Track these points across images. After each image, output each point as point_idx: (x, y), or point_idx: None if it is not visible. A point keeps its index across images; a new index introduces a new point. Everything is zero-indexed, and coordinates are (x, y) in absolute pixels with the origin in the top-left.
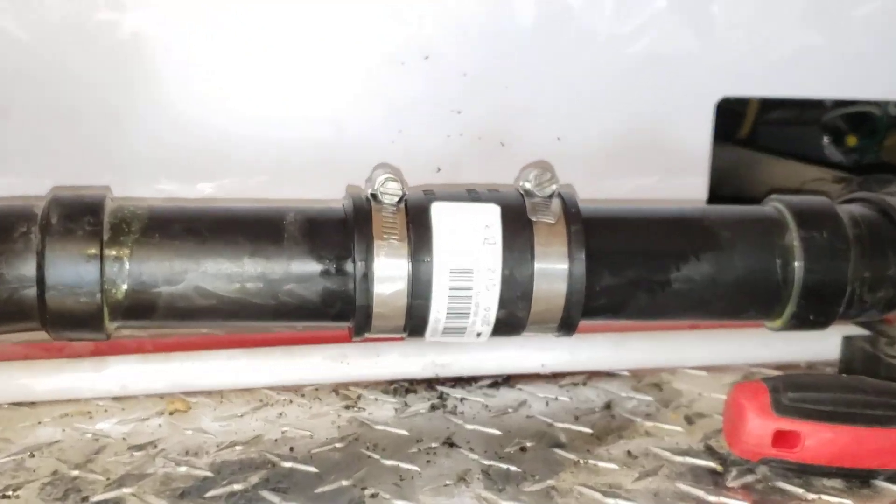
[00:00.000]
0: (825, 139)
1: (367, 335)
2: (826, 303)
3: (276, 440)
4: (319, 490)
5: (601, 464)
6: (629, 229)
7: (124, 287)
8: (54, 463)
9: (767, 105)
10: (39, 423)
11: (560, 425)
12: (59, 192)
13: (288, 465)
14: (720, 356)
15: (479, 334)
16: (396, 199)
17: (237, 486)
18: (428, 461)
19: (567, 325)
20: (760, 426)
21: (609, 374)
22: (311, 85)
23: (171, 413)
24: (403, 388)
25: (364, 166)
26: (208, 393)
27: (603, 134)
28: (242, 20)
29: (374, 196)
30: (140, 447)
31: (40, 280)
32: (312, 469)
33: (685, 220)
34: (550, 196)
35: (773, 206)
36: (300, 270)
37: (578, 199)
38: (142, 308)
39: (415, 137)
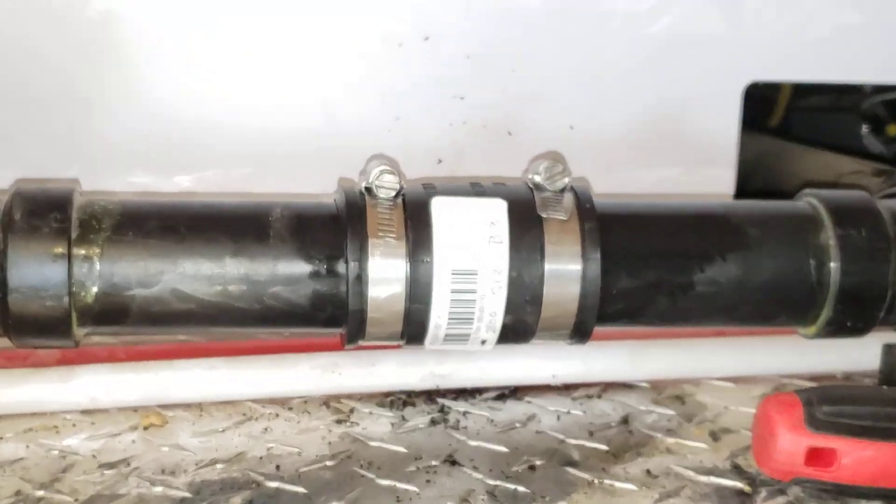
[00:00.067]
0: (864, 128)
1: (360, 343)
2: (865, 307)
3: (260, 458)
4: None
5: (618, 484)
6: (649, 227)
7: (94, 290)
8: (17, 482)
9: (801, 90)
10: (1, 438)
11: (573, 442)
12: (23, 186)
13: (274, 485)
14: (748, 366)
15: (483, 342)
16: (393, 193)
17: None
18: (428, 481)
19: (580, 332)
20: (793, 443)
21: (626, 386)
22: (299, 68)
23: (145, 428)
24: (401, 400)
25: (358, 157)
26: (186, 406)
27: (620, 122)
28: None
29: (368, 190)
30: (111, 465)
31: (2, 282)
32: (301, 489)
33: (710, 216)
34: (562, 190)
35: (807, 201)
36: (287, 271)
37: (593, 194)
38: (113, 313)
39: (413, 126)
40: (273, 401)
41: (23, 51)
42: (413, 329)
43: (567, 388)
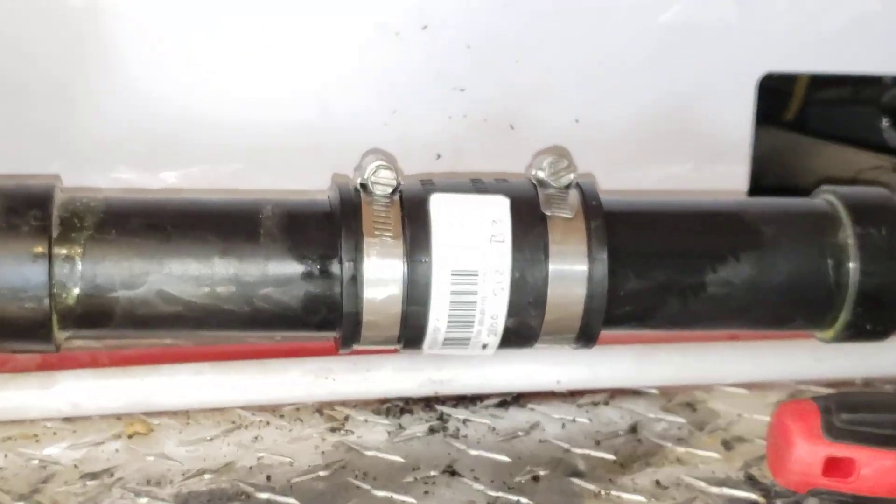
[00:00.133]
0: (884, 121)
1: (355, 347)
2: (885, 310)
3: (250, 468)
4: None
5: (625, 495)
6: (658, 225)
7: (76, 291)
8: None
9: (818, 82)
10: None
11: (578, 451)
12: (1, 182)
13: (264, 496)
14: (763, 371)
15: (484, 346)
16: (390, 190)
17: None
18: (426, 492)
19: (586, 336)
20: (809, 452)
21: (635, 393)
22: (292, 59)
23: (129, 436)
24: (398, 407)
25: (353, 152)
26: (173, 413)
27: (628, 115)
28: None
29: (364, 186)
30: (94, 475)
31: None
32: (293, 501)
33: (722, 214)
34: (567, 187)
35: (825, 198)
36: (279, 272)
37: (599, 191)
38: (96, 315)
39: (411, 119)
40: (263, 408)
41: (1, 41)
42: (411, 333)
43: (572, 395)
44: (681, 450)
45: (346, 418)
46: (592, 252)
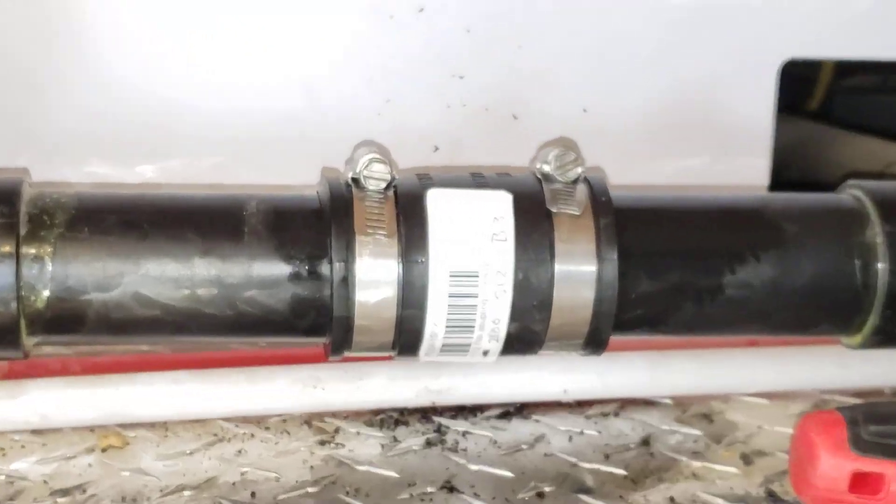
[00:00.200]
0: None
1: (346, 353)
2: None
3: (234, 483)
4: None
5: None
6: (672, 223)
7: (46, 294)
8: None
9: (843, 69)
10: None
11: (586, 465)
12: None
13: None
14: (785, 380)
15: (485, 353)
16: (383, 184)
17: None
18: None
19: (595, 342)
20: (835, 467)
21: (647, 403)
22: (278, 43)
23: (103, 450)
24: (392, 419)
25: (343, 144)
26: (150, 425)
27: (640, 104)
28: None
29: (355, 181)
30: (65, 492)
31: None
32: None
33: (741, 211)
34: (575, 181)
35: (851, 193)
36: (264, 273)
37: (609, 186)
38: (67, 320)
39: (406, 108)
40: (248, 419)
41: None
42: (406, 338)
43: (580, 406)
44: (696, 464)
45: (337, 430)
46: (602, 252)
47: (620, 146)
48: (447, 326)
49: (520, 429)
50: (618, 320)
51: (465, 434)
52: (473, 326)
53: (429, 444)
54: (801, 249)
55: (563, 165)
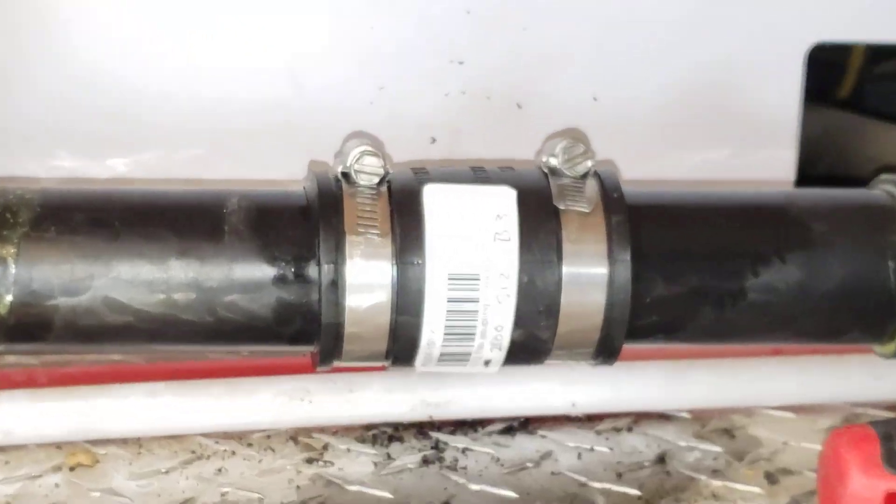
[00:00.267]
0: None
1: (336, 363)
2: None
3: None
4: None
5: None
6: (690, 221)
7: (9, 298)
8: None
9: (876, 53)
10: None
11: (597, 485)
12: None
13: None
14: (813, 392)
15: (487, 362)
16: (376, 179)
17: None
18: None
19: (606, 350)
20: (867, 487)
21: (663, 417)
22: (260, 26)
23: (72, 468)
24: (386, 435)
25: (332, 135)
26: (122, 441)
27: (655, 92)
28: None
29: (346, 176)
30: None
31: None
32: None
33: (765, 208)
34: (584, 176)
35: (884, 189)
36: (246, 276)
37: (622, 181)
38: (32, 326)
39: (401, 96)
40: (228, 435)
41: None
42: (401, 347)
43: (590, 420)
44: (717, 483)
45: (326, 447)
46: (613, 252)
47: (634, 138)
48: (446, 334)
49: (524, 445)
50: (631, 327)
51: (464, 451)
52: (474, 334)
53: (426, 461)
54: (830, 250)
55: (571, 159)
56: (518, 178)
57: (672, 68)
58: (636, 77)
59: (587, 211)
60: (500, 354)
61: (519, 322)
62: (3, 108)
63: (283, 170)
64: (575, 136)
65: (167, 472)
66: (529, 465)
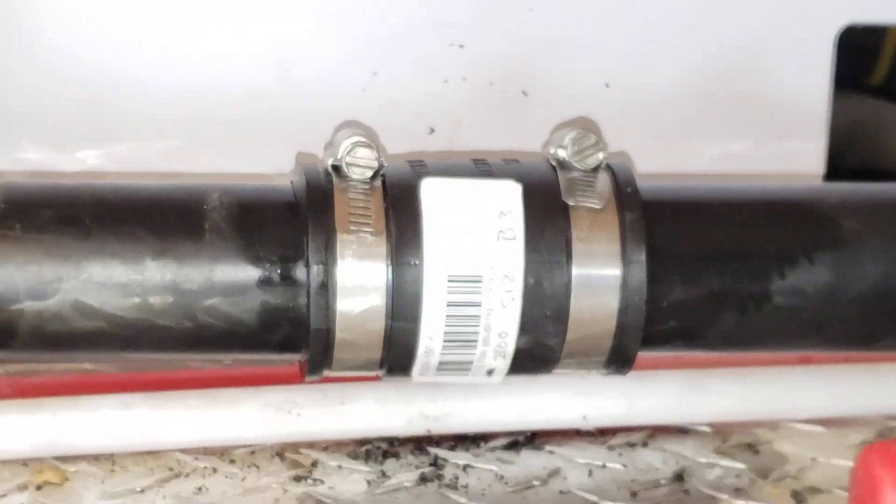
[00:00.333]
0: None
1: (326, 373)
2: None
3: None
4: None
5: None
6: (711, 218)
7: None
8: None
9: None
10: None
11: None
12: None
13: None
14: (843, 404)
15: (490, 371)
16: (370, 173)
17: None
18: None
19: (620, 359)
20: None
21: (681, 431)
22: (242, 6)
23: (38, 487)
24: (380, 450)
25: (322, 125)
26: (94, 458)
27: (672, 79)
28: None
29: (336, 169)
30: None
31: None
32: None
33: (792, 204)
34: (595, 169)
35: None
36: (228, 278)
37: (636, 174)
38: None
39: (397, 83)
40: (209, 451)
41: None
42: (397, 355)
43: (602, 434)
44: (739, 503)
45: (315, 464)
46: (627, 252)
47: (649, 128)
48: (445, 341)
49: (531, 462)
50: (646, 333)
51: (465, 468)
52: (476, 341)
53: (423, 479)
54: (862, 249)
55: (581, 150)
56: (523, 172)
57: (691, 52)
58: (652, 62)
59: (599, 207)
60: (505, 363)
61: (525, 328)
62: None
63: (268, 163)
64: (585, 126)
65: (142, 492)
66: (536, 483)
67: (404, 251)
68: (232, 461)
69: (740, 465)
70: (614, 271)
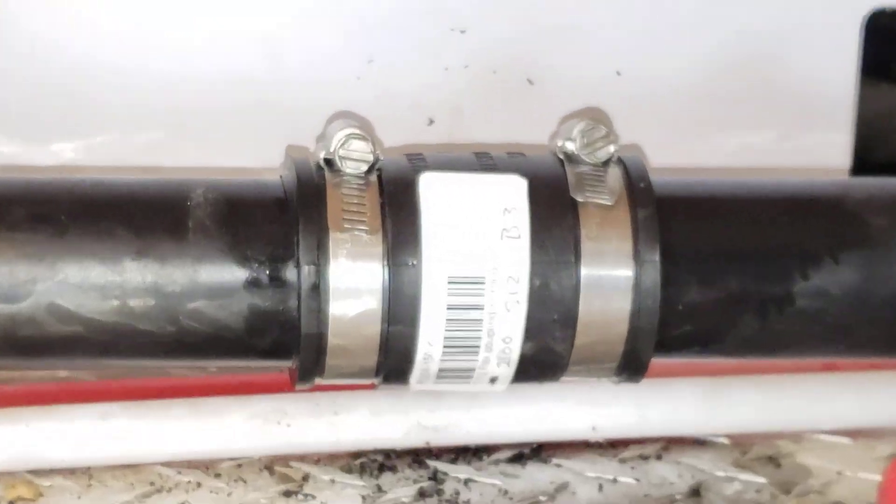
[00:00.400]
0: None
1: (318, 381)
2: None
3: None
4: None
5: None
6: (729, 215)
7: None
8: None
9: None
10: None
11: None
12: None
13: None
14: (871, 414)
15: (493, 379)
16: (365, 167)
17: None
18: None
19: (632, 366)
20: None
21: (697, 443)
22: None
23: (11, 502)
24: (376, 463)
25: (314, 116)
26: (70, 471)
27: (687, 66)
28: None
29: (329, 163)
30: None
31: None
32: None
33: (816, 200)
34: (606, 163)
35: None
36: (214, 279)
37: (649, 169)
38: None
39: (394, 71)
40: (193, 464)
41: None
42: (393, 361)
43: (613, 446)
44: None
45: (306, 478)
46: (640, 251)
47: (663, 119)
48: (445, 346)
49: (537, 476)
50: (660, 338)
51: (467, 482)
52: (478, 346)
53: (422, 494)
54: (891, 249)
55: (590, 143)
56: (529, 166)
57: (708, 38)
58: (666, 48)
59: (609, 204)
60: (509, 370)
61: (530, 333)
62: None
63: (256, 156)
64: (595, 117)
65: None
66: (542, 498)
67: (401, 251)
68: (217, 475)
69: (761, 480)
70: (626, 272)
